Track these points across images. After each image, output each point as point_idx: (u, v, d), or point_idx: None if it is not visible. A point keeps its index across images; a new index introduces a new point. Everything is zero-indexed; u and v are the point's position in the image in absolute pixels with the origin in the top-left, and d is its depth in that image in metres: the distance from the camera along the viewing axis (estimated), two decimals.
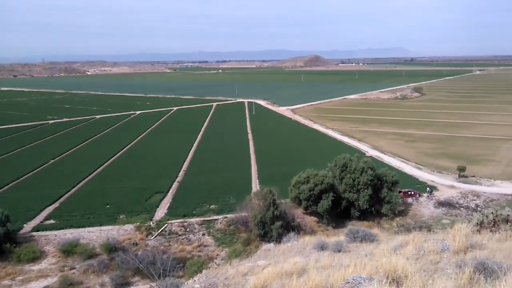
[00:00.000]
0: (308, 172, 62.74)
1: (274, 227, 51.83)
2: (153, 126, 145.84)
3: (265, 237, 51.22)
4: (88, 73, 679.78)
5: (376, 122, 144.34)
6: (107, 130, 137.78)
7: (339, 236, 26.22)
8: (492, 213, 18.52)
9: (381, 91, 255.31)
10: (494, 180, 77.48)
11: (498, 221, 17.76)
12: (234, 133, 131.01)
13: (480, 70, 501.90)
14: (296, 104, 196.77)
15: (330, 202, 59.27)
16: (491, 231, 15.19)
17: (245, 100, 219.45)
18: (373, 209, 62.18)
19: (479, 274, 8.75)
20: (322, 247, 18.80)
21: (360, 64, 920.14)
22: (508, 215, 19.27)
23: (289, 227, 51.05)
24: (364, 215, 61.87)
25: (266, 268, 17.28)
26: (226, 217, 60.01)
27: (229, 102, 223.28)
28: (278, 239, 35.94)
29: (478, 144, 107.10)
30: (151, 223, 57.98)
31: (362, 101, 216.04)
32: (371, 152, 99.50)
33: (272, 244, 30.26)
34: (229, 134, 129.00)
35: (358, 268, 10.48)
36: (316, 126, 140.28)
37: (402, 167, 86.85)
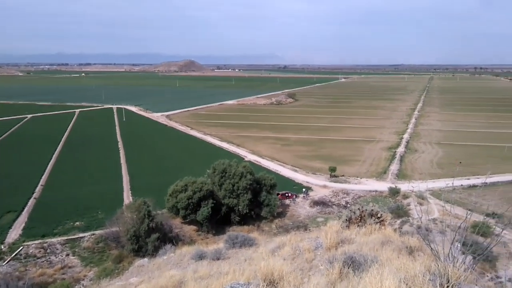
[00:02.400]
0: (186, 180, 61.86)
1: (150, 240, 50.15)
2: (0, 138, 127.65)
3: (140, 252, 49.42)
4: None
5: (254, 127, 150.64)
6: None
7: (218, 244, 26.05)
8: (358, 209, 20.44)
9: (257, 97, 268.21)
10: (361, 178, 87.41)
11: (364, 216, 19.76)
12: (101, 142, 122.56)
13: (345, 78, 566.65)
14: (171, 110, 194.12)
15: (209, 209, 59.27)
16: (358, 225, 16.54)
17: (114, 106, 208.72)
18: (253, 213, 64.24)
19: (348, 268, 9.27)
20: (200, 257, 18.25)
21: (236, 70, 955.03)
22: (372, 209, 21.52)
23: (167, 239, 49.80)
24: (245, 220, 63.53)
25: (139, 286, 15.90)
26: (94, 234, 56.71)
27: (95, 108, 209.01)
28: (154, 253, 35.19)
29: (346, 145, 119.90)
30: (1, 247, 52.41)
31: (239, 107, 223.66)
32: (250, 157, 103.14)
33: (146, 259, 28.62)
34: (96, 144, 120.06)
35: (237, 275, 10.51)
36: (193, 133, 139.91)
37: (279, 170, 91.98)
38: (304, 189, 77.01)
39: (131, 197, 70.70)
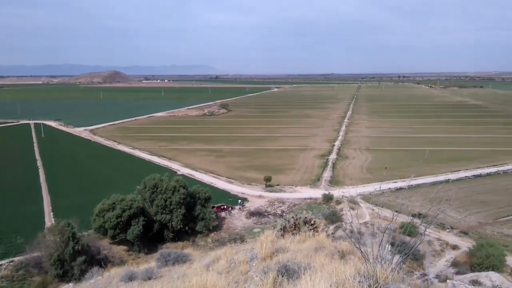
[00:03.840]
0: (114, 198, 59.32)
1: (76, 264, 47.82)
2: None
3: (65, 277, 47.03)
4: None
5: (186, 140, 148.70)
6: None
7: (150, 263, 25.16)
8: (293, 217, 21.03)
9: (189, 108, 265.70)
10: (295, 187, 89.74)
11: (298, 223, 20.36)
12: (17, 162, 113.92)
13: (277, 88, 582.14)
14: (95, 124, 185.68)
15: (141, 227, 57.32)
16: (293, 234, 16.60)
17: (31, 122, 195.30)
18: (187, 228, 63.31)
19: (282, 276, 9.42)
20: (130, 278, 17.50)
21: (166, 80, 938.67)
22: (305, 217, 22.21)
23: (94, 262, 47.23)
24: (179, 236, 62.41)
25: None
26: (12, 261, 53.63)
27: (9, 124, 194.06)
28: (81, 277, 33.38)
29: (280, 155, 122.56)
30: None
31: (170, 119, 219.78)
32: (183, 170, 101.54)
33: (71, 284, 26.91)
34: (10, 163, 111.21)
35: None
36: (121, 147, 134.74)
37: (214, 182, 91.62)
38: (239, 201, 77.49)
39: (53, 219, 66.66)
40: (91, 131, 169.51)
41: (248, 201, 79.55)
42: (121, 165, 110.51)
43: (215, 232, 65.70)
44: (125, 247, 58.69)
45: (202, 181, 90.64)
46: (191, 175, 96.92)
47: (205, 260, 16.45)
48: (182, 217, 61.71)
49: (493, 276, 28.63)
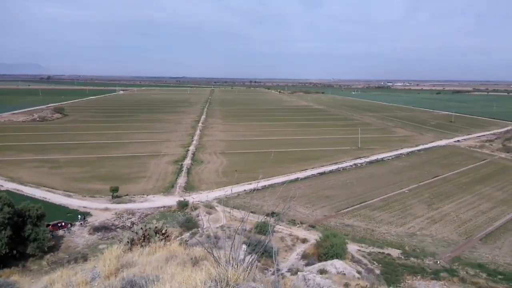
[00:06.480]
0: None
1: None
2: None
3: None
4: None
5: (12, 150, 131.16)
6: None
7: None
8: (141, 228, 19.89)
9: (14, 113, 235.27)
10: (147, 196, 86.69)
11: (148, 234, 19.25)
12: None
13: (123, 90, 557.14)
14: None
15: None
16: (142, 246, 16.22)
17: None
18: (15, 252, 55.74)
19: None
20: None
21: None
22: (156, 227, 21.09)
23: None
24: (5, 262, 54.74)
25: None
26: None
27: None
28: None
29: (129, 162, 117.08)
30: None
31: None
32: (7, 185, 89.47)
33: None
34: None
35: None
36: None
37: (48, 197, 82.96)
38: (80, 216, 71.75)
39: None
40: None
41: (91, 215, 73.90)
42: None
43: (52, 254, 59.34)
44: None
45: (34, 196, 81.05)
46: (18, 190, 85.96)
47: (36, 287, 14.96)
48: (8, 240, 54.18)
49: (337, 264, 31.65)
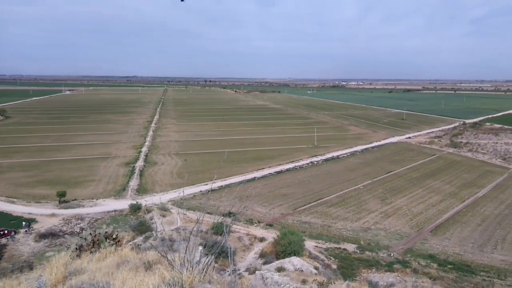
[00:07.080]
0: None
1: None
2: None
3: None
4: None
5: None
6: None
7: None
8: (90, 234, 19.07)
9: None
10: (97, 200, 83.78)
11: (98, 240, 18.47)
12: None
13: (70, 90, 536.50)
14: None
15: None
16: (91, 252, 16.02)
17: None
18: None
19: None
20: None
21: None
22: (106, 232, 20.25)
23: None
24: None
25: None
26: None
27: None
28: None
29: (77, 165, 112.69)
30: None
31: None
32: None
33: None
34: None
35: None
36: None
37: None
38: (24, 223, 68.72)
39: None
40: None
41: (36, 222, 70.56)
42: None
43: None
44: None
45: None
46: None
47: None
48: None
49: (295, 261, 31.77)
